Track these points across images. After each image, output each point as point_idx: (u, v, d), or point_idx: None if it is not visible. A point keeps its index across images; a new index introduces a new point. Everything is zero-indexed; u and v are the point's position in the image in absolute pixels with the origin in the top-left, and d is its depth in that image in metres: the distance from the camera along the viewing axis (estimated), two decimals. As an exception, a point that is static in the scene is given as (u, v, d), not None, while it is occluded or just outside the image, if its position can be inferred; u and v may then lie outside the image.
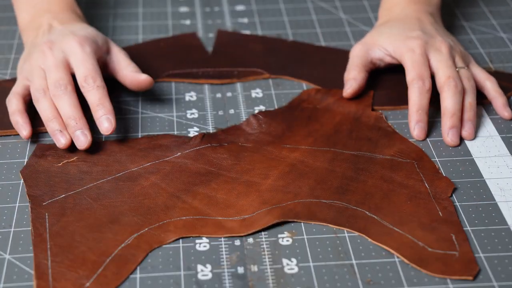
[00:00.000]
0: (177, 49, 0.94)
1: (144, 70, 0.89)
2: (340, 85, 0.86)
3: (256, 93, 0.87)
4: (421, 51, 0.82)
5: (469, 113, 0.79)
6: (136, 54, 0.93)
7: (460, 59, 0.83)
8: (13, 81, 0.86)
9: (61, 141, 0.75)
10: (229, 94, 0.86)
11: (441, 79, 0.80)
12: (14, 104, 0.79)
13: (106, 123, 0.76)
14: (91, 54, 0.80)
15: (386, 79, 0.87)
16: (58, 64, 0.79)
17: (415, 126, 0.79)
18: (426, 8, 0.90)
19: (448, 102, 0.78)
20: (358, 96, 0.84)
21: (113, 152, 0.76)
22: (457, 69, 0.81)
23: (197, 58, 0.92)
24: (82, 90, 0.78)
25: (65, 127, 0.76)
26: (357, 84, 0.83)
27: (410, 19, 0.87)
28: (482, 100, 0.84)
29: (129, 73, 0.82)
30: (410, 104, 0.80)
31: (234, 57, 0.92)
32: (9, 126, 0.79)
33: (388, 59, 0.86)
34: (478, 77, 0.84)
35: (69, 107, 0.76)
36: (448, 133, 0.78)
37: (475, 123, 0.79)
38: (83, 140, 0.75)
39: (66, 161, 0.75)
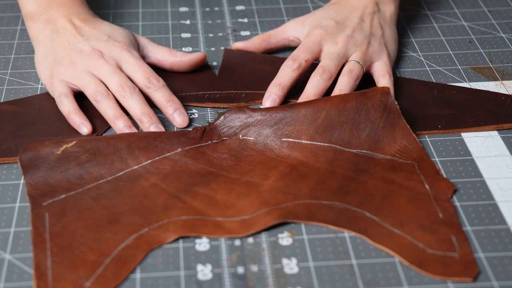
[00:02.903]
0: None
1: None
2: None
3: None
4: (316, 39, 0.85)
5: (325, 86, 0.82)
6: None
7: (359, 54, 0.84)
8: (9, 103, 0.83)
9: None
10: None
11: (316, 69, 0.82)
12: (66, 104, 0.80)
13: (179, 118, 0.80)
14: (140, 57, 0.83)
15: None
16: (116, 70, 0.81)
17: (268, 97, 0.82)
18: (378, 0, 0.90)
19: (307, 85, 0.82)
20: (361, 86, 0.83)
21: (113, 139, 0.75)
22: (350, 61, 0.84)
23: (204, 80, 0.89)
24: (147, 91, 0.81)
25: (132, 124, 0.78)
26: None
27: (348, 8, 0.89)
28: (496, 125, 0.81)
29: (184, 58, 0.87)
30: (273, 80, 0.83)
31: (242, 79, 0.89)
32: (5, 154, 0.76)
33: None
34: (377, 73, 0.85)
35: (141, 105, 0.79)
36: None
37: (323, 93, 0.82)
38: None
39: (66, 146, 0.73)
